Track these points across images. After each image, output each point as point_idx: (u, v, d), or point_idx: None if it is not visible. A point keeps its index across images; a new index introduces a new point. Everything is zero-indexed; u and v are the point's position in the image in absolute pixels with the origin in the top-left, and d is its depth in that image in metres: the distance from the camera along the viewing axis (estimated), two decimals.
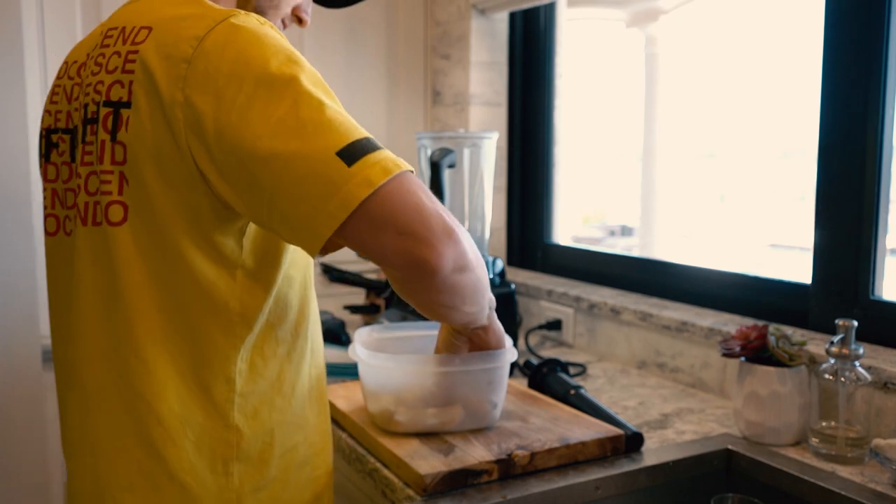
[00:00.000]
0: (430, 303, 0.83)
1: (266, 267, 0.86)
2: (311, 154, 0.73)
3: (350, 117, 0.78)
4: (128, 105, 0.80)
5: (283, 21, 1.01)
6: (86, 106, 0.84)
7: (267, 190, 0.74)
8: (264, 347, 0.88)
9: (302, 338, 0.94)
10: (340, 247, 0.81)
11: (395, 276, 0.80)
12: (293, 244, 0.82)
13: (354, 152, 0.74)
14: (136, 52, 0.81)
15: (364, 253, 0.78)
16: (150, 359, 0.82)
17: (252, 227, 0.84)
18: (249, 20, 0.80)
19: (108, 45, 0.85)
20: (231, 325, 0.84)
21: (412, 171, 0.78)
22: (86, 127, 0.84)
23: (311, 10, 1.05)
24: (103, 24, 0.91)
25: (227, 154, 0.75)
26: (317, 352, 0.99)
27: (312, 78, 0.78)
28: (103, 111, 0.82)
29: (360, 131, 0.76)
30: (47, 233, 0.92)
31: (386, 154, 0.76)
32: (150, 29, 0.82)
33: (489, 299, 0.96)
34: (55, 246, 0.91)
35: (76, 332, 0.86)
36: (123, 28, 0.84)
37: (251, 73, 0.75)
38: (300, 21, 1.03)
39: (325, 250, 0.81)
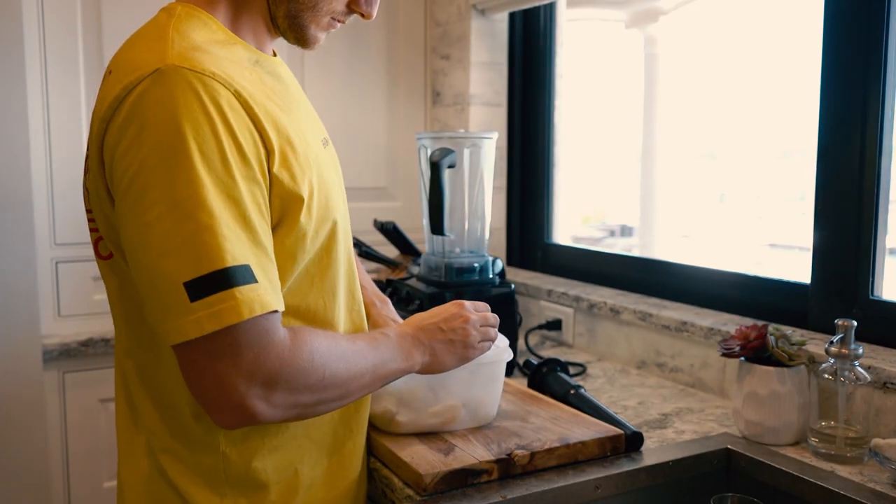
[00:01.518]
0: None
1: None
2: (161, 274, 0.74)
3: (229, 232, 0.75)
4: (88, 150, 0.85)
5: (333, 19, 0.95)
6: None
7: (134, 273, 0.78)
8: None
9: None
10: None
11: None
12: None
13: (202, 287, 0.73)
14: (98, 99, 0.84)
15: None
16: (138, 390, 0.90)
17: None
18: (171, 83, 0.76)
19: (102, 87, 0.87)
20: None
21: (260, 313, 0.75)
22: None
23: (377, 2, 0.97)
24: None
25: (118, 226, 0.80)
26: None
27: (206, 176, 0.75)
28: (87, 152, 0.86)
29: (223, 259, 0.73)
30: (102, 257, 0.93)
31: (234, 296, 0.73)
32: (110, 73, 0.84)
33: (377, 367, 0.90)
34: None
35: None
36: (110, 72, 0.85)
37: (137, 160, 0.75)
38: (362, 15, 0.96)
39: None
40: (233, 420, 0.78)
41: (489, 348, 1.05)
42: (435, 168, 1.40)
